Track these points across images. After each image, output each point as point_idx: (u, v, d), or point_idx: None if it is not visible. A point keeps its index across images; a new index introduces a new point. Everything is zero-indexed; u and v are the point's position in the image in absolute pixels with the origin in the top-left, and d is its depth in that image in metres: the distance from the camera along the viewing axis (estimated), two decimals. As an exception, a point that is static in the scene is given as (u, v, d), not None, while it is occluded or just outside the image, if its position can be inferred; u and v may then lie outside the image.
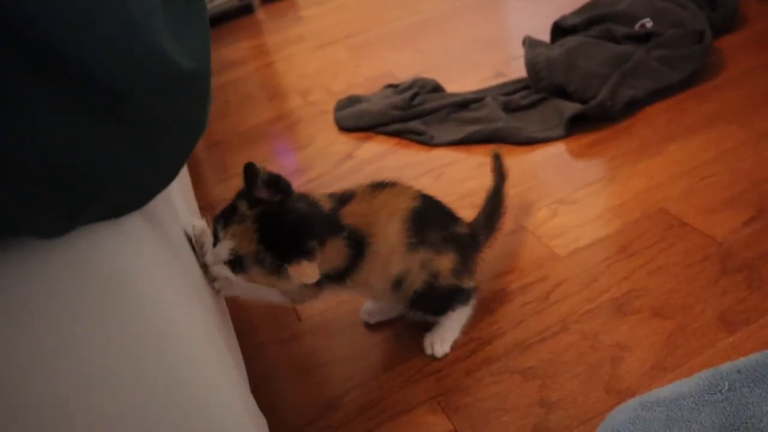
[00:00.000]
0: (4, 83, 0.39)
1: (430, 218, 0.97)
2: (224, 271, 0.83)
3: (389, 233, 0.92)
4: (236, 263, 0.81)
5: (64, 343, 0.52)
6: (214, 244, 0.82)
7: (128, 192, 0.50)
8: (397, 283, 0.95)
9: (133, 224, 0.55)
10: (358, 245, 0.90)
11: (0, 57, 0.39)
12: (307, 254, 0.80)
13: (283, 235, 0.82)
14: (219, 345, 0.68)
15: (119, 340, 0.54)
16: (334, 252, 0.89)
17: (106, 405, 0.55)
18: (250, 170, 0.82)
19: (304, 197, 0.90)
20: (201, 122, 0.53)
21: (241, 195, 0.84)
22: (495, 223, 1.13)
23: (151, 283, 0.55)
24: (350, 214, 0.91)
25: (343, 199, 0.93)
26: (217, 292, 0.86)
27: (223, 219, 0.82)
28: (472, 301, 1.05)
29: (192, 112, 0.51)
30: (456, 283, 0.99)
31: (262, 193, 0.83)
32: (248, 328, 1.18)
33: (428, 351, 1.02)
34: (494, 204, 1.15)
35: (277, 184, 0.85)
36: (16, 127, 0.40)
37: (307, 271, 0.80)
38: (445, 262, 0.97)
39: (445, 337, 1.02)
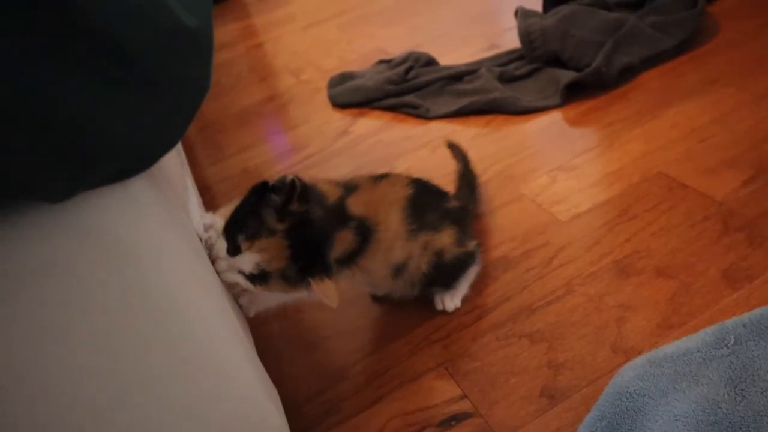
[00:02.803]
0: (7, 40, 0.38)
1: (424, 202, 0.99)
2: (237, 279, 0.80)
3: (391, 223, 0.93)
4: (258, 277, 0.79)
5: (74, 311, 0.51)
6: (229, 251, 0.79)
7: (135, 152, 0.50)
8: (398, 271, 0.96)
9: (139, 190, 0.55)
10: (366, 233, 0.91)
11: (2, 15, 0.38)
12: (328, 271, 0.82)
13: (309, 250, 0.81)
14: (229, 314, 0.67)
15: (129, 308, 0.53)
16: (343, 241, 0.89)
17: (117, 374, 0.55)
18: (293, 186, 0.77)
19: (314, 192, 0.85)
20: (205, 81, 0.52)
21: (260, 200, 0.80)
22: (475, 191, 1.19)
23: (160, 250, 0.54)
24: (357, 203, 0.91)
25: (349, 187, 0.93)
26: (246, 310, 0.87)
27: (246, 229, 0.78)
28: (479, 258, 1.06)
29: (196, 71, 0.50)
30: (461, 251, 1.01)
31: (294, 207, 0.79)
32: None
33: (439, 307, 1.03)
34: (467, 177, 1.20)
35: (306, 194, 0.80)
36: (20, 87, 0.40)
37: (329, 289, 0.81)
38: (446, 237, 0.98)
39: (454, 292, 1.03)
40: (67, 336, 0.50)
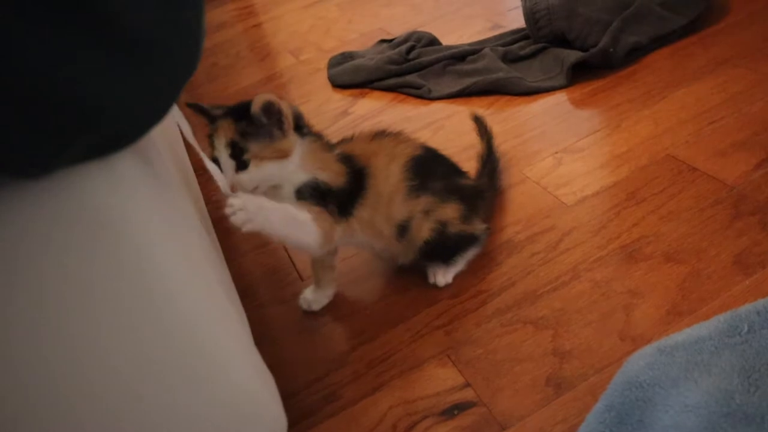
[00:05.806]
0: None
1: (432, 167, 0.98)
2: (245, 179, 0.87)
3: (389, 173, 0.93)
4: (236, 151, 0.86)
5: (57, 291, 0.48)
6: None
7: (120, 122, 0.46)
8: (402, 229, 0.95)
9: (125, 167, 0.51)
10: (356, 171, 0.93)
11: None
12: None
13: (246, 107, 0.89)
14: (220, 296, 0.64)
15: (114, 290, 0.50)
16: (330, 163, 0.92)
17: (104, 355, 0.52)
18: (194, 106, 0.95)
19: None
20: (194, 51, 0.48)
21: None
22: (497, 180, 1.17)
23: (148, 228, 0.51)
24: (347, 149, 0.96)
25: (342, 141, 0.99)
26: (241, 223, 0.80)
27: (209, 144, 0.90)
28: (483, 241, 1.05)
29: (185, 39, 0.47)
30: (466, 229, 0.99)
31: (215, 112, 0.94)
32: (249, 289, 1.15)
33: (431, 280, 1.03)
34: (490, 162, 1.17)
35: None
36: None
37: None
38: (450, 211, 0.97)
39: (448, 268, 1.02)
40: (51, 320, 0.48)
